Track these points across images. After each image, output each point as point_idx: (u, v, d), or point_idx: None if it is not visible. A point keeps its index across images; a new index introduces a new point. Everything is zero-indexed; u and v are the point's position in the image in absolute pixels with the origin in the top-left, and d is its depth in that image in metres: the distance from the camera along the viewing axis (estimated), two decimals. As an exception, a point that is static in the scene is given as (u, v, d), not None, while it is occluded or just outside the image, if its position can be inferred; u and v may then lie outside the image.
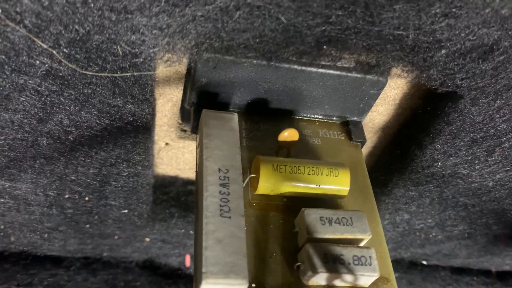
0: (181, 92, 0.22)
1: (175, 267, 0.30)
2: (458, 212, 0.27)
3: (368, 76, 0.21)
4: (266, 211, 0.20)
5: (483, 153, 0.23)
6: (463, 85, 0.19)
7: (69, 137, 0.20)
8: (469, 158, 0.23)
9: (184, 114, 0.24)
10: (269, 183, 0.19)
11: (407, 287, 0.33)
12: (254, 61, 0.20)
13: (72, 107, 0.18)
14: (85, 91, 0.18)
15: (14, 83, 0.17)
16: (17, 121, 0.19)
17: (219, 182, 0.18)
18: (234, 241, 0.17)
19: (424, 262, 0.34)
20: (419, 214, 0.27)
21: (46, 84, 0.17)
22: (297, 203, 0.20)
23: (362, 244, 0.19)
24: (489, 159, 0.23)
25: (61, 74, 0.17)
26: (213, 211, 0.17)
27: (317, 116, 0.24)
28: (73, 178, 0.22)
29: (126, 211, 0.24)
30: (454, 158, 0.23)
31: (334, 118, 0.24)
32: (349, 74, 0.21)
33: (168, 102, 0.23)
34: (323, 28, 0.16)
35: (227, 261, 0.16)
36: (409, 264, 0.34)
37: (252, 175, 0.20)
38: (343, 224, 0.19)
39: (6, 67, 0.16)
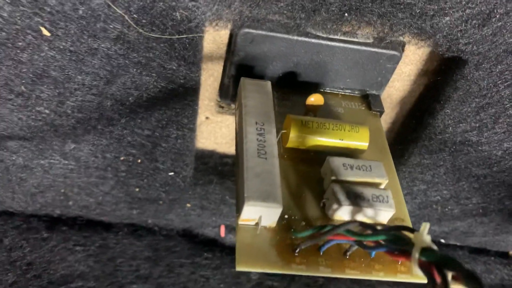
0: (221, 67, 0.26)
1: (211, 237, 0.33)
2: (471, 183, 0.30)
3: (385, 51, 0.25)
4: (295, 162, 0.23)
5: (490, 120, 0.25)
6: (466, 50, 0.22)
7: (130, 98, 0.23)
8: (477, 125, 0.25)
9: (222, 90, 0.27)
10: (298, 136, 0.22)
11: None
12: (286, 36, 0.24)
13: (135, 70, 0.22)
14: (147, 55, 0.21)
15: (89, 47, 0.21)
16: (88, 83, 0.22)
17: (256, 132, 0.21)
18: (270, 176, 0.20)
19: (443, 241, 0.36)
20: (435, 185, 0.30)
21: (115, 48, 0.21)
22: (322, 157, 0.22)
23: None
24: (495, 126, 0.26)
25: (128, 38, 0.20)
26: (252, 152, 0.20)
27: (340, 90, 0.27)
28: (129, 139, 0.25)
29: (172, 173, 0.27)
30: (463, 124, 0.25)
31: (356, 92, 0.27)
32: (367, 49, 0.25)
33: (210, 77, 0.26)
34: (344, -3, 0.20)
35: (265, 189, 0.19)
36: (428, 242, 0.36)
37: (284, 131, 0.23)
38: (363, 170, 0.21)
39: (85, 32, 0.20)
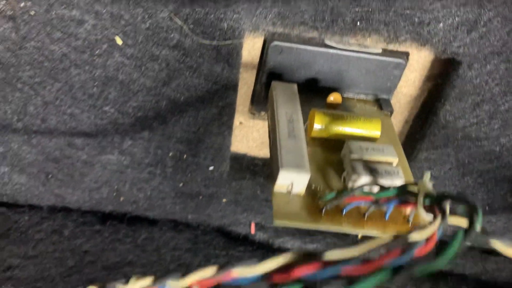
0: (254, 77, 0.31)
1: (242, 234, 0.37)
2: (475, 179, 0.33)
3: (392, 59, 0.29)
4: (319, 149, 0.27)
5: (485, 116, 0.29)
6: (459, 51, 0.26)
7: (181, 98, 0.28)
8: (474, 120, 0.29)
9: (254, 97, 0.32)
10: (321, 125, 0.27)
11: (440, 260, 0.38)
12: (309, 47, 0.29)
13: (187, 73, 0.27)
14: (198, 60, 0.26)
15: (152, 54, 0.26)
16: (148, 85, 0.27)
17: (287, 119, 0.26)
18: (299, 151, 0.24)
19: (454, 240, 0.39)
20: (442, 181, 0.33)
21: (173, 54, 0.26)
22: (341, 144, 0.27)
23: (391, 167, 0.26)
24: (491, 122, 0.30)
25: (184, 46, 0.26)
26: (284, 135, 0.25)
27: (356, 94, 0.31)
28: (178, 136, 0.30)
29: (212, 167, 0.32)
30: (463, 120, 0.29)
31: (369, 96, 0.31)
32: (377, 57, 0.29)
33: (244, 85, 0.31)
34: (356, 9, 0.25)
35: (296, 160, 0.23)
36: (439, 242, 0.39)
37: (308, 123, 0.27)
38: (377, 151, 0.26)
39: (150, 40, 0.25)
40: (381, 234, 0.23)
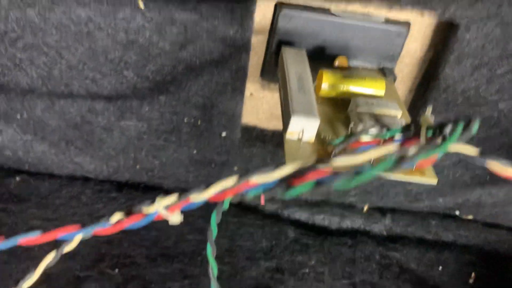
0: (264, 46, 0.33)
1: (252, 205, 0.38)
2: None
3: (394, 28, 0.31)
4: (326, 107, 0.29)
5: (483, 80, 0.31)
6: (457, 14, 0.28)
7: (197, 62, 0.30)
8: (473, 84, 0.31)
9: (264, 67, 0.34)
10: (328, 85, 0.28)
11: (443, 231, 0.39)
12: (316, 16, 0.31)
13: (204, 36, 0.29)
14: (213, 23, 0.28)
15: (170, 17, 0.28)
16: (166, 48, 0.29)
17: (297, 78, 0.28)
18: (308, 102, 0.26)
19: (457, 213, 0.41)
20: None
21: (190, 17, 0.28)
22: (348, 103, 0.28)
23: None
24: (489, 87, 0.31)
25: (201, 8, 0.28)
26: (294, 88, 0.27)
27: (360, 63, 0.33)
28: (193, 101, 0.32)
29: (224, 134, 0.33)
30: (462, 84, 0.31)
31: (373, 65, 0.33)
32: (380, 26, 0.31)
33: (255, 55, 0.33)
34: (361, -28, 0.27)
35: (305, 109, 0.25)
36: (443, 215, 0.41)
37: (316, 83, 0.29)
38: (382, 105, 0.27)
39: (169, 3, 0.27)
40: (387, 175, 0.25)
